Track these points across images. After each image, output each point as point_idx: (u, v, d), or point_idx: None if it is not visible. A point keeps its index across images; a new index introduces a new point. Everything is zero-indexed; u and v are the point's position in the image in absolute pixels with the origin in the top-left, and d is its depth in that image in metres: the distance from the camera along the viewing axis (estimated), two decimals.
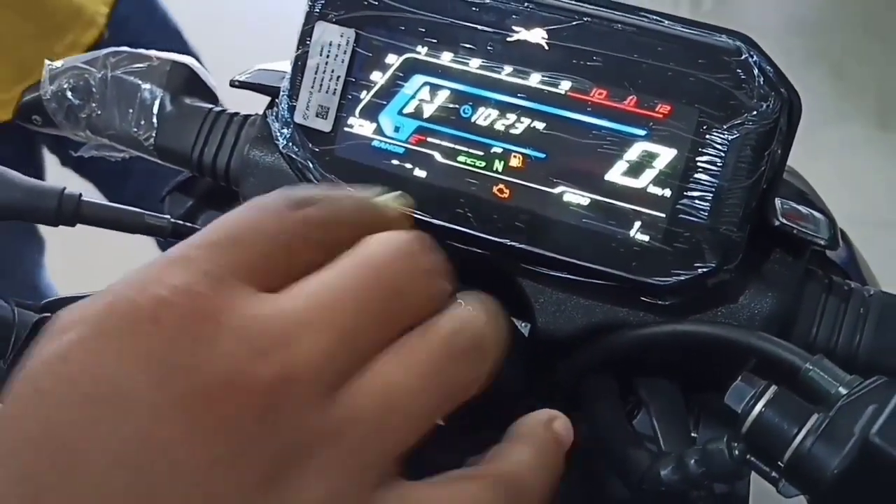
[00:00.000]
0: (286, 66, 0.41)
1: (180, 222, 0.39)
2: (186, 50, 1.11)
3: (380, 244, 0.26)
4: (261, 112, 0.46)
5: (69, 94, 0.49)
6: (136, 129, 0.47)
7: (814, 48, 2.52)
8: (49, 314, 0.33)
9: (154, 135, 0.47)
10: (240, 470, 0.21)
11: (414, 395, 0.24)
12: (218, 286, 0.23)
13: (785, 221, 0.36)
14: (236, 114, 0.47)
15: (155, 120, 0.47)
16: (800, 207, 0.38)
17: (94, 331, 0.22)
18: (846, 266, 0.44)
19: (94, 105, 0.48)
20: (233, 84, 0.44)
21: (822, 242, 0.37)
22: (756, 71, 0.34)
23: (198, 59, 0.49)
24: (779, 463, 0.29)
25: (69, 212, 0.37)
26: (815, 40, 2.57)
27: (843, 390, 0.31)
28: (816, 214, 0.39)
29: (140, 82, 0.48)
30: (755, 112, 0.34)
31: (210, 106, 0.48)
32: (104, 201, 0.38)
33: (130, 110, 0.48)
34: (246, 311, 0.23)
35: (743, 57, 0.34)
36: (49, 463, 0.21)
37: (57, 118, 0.50)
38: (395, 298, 0.25)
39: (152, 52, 0.49)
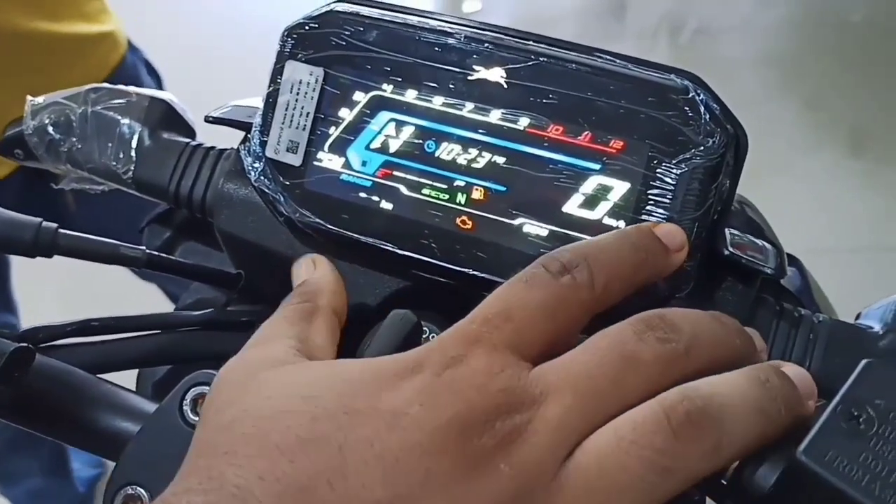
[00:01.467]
0: (259, 102, 0.43)
1: (155, 253, 0.41)
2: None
3: (631, 324, 0.29)
4: (235, 146, 0.48)
5: (50, 128, 0.50)
6: (114, 163, 0.49)
7: (789, 80, 2.57)
8: (27, 345, 0.34)
9: (132, 168, 0.49)
10: (477, 492, 0.26)
11: (630, 471, 0.26)
12: (490, 357, 0.28)
13: (734, 251, 0.38)
14: (212, 148, 0.49)
15: (133, 154, 0.49)
16: (749, 237, 0.40)
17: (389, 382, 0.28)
18: (800, 293, 0.46)
19: (74, 139, 0.50)
20: (207, 120, 0.46)
21: (770, 271, 0.39)
22: (703, 108, 0.36)
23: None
24: (722, 481, 0.30)
25: (46, 243, 0.38)
26: (790, 72, 2.62)
27: None
28: (765, 245, 0.41)
29: (119, 117, 0.50)
30: (702, 147, 0.36)
31: (187, 140, 0.49)
32: (81, 233, 0.39)
33: (110, 144, 0.49)
34: (511, 377, 0.27)
35: (690, 95, 0.36)
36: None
37: (38, 152, 0.51)
38: (633, 372, 0.28)
39: (132, 89, 0.51)
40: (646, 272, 0.33)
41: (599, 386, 0.28)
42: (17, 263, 1.22)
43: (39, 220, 0.38)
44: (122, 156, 0.49)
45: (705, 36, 2.89)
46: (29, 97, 0.52)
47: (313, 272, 0.40)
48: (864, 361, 0.29)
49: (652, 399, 0.27)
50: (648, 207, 0.37)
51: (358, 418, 0.26)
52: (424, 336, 0.39)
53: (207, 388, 0.34)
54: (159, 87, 1.17)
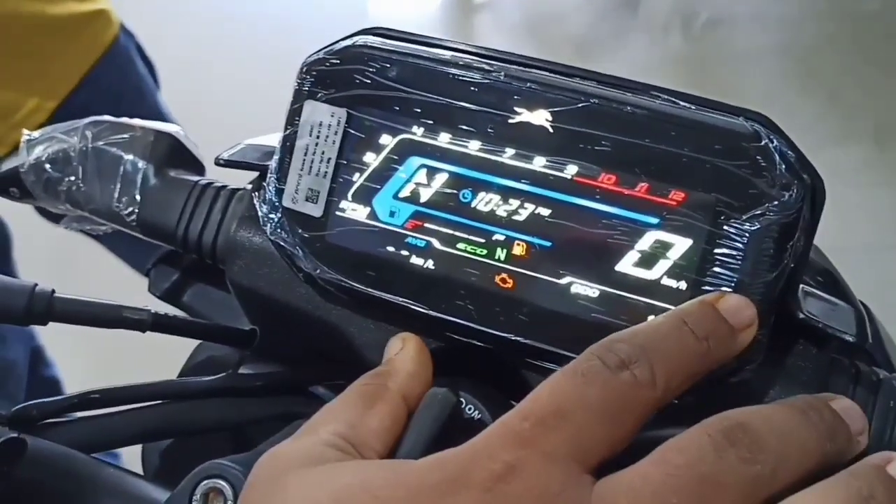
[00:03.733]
0: (274, 140, 0.39)
1: (162, 314, 0.37)
2: (158, 110, 1.08)
3: (710, 437, 0.25)
4: (249, 185, 0.44)
5: (48, 166, 0.46)
6: (118, 204, 0.45)
7: (809, 72, 2.51)
8: (18, 434, 0.30)
9: (137, 210, 0.45)
10: None
11: None
12: (547, 469, 0.24)
13: (810, 315, 0.34)
14: (224, 187, 0.45)
15: (138, 194, 0.45)
16: (825, 296, 0.36)
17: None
18: (872, 345, 0.41)
19: (73, 178, 0.46)
20: (218, 163, 0.42)
21: (851, 339, 0.35)
22: (777, 157, 0.32)
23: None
24: None
25: (40, 310, 0.34)
26: (808, 64, 2.56)
27: None
28: (840, 303, 0.36)
29: (122, 154, 0.46)
30: (777, 202, 0.32)
31: (196, 179, 0.45)
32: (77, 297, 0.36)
33: (112, 184, 0.45)
34: (572, 500, 0.24)
35: (763, 143, 0.32)
36: None
37: (35, 191, 0.47)
38: (711, 499, 0.24)
39: (136, 122, 0.47)
40: (711, 362, 0.29)
41: None
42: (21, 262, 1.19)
43: (33, 284, 0.35)
44: (125, 197, 0.45)
45: (719, 27, 2.83)
46: (25, 131, 0.48)
47: (398, 352, 0.35)
48: None
49: None
50: (714, 268, 0.33)
51: None
52: (464, 410, 0.35)
53: (219, 481, 0.30)
54: (152, 75, 1.12)
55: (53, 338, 1.27)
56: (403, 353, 0.35)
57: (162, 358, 0.49)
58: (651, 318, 0.33)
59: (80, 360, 1.38)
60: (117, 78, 1.03)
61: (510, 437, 0.25)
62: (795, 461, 0.25)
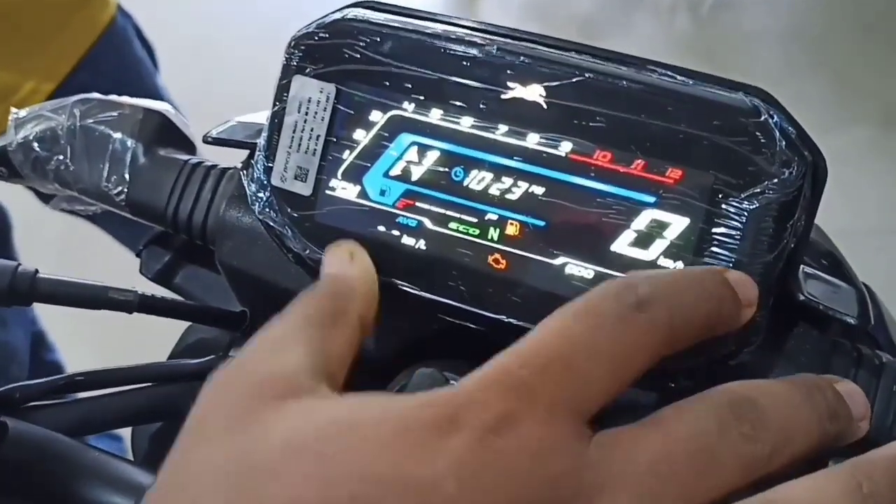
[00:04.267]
0: (264, 118, 0.38)
1: (148, 295, 0.36)
2: (157, 92, 1.06)
3: (715, 409, 0.24)
4: (240, 164, 0.43)
5: (35, 144, 0.46)
6: (106, 184, 0.44)
7: (817, 54, 2.49)
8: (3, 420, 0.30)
9: (126, 189, 0.44)
10: None
11: None
12: (547, 422, 0.23)
13: (811, 297, 0.33)
14: (214, 166, 0.44)
15: (127, 174, 0.44)
16: (826, 277, 0.35)
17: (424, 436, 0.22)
18: (875, 328, 0.40)
19: (61, 157, 0.45)
20: (206, 140, 0.41)
21: (852, 321, 0.34)
22: (777, 134, 0.31)
23: (174, 105, 0.45)
24: None
25: (23, 290, 0.34)
26: (816, 46, 2.54)
27: None
28: (842, 284, 0.35)
29: (111, 132, 0.45)
30: (776, 179, 0.31)
31: (186, 157, 0.44)
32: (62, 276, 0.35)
33: (100, 163, 0.44)
34: (570, 458, 0.23)
35: (762, 118, 0.31)
36: None
37: (23, 170, 0.46)
38: (706, 475, 0.23)
39: (124, 99, 0.46)
40: (715, 324, 0.28)
41: (666, 490, 0.23)
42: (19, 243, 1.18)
43: (16, 263, 0.34)
44: (114, 176, 0.44)
45: (726, 9, 2.80)
46: (12, 109, 0.47)
47: (348, 267, 0.33)
48: None
49: None
50: (712, 248, 0.32)
51: (379, 489, 0.22)
52: None
53: None
54: (152, 58, 1.11)
55: (56, 322, 1.26)
56: (357, 270, 0.33)
57: (166, 340, 0.48)
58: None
59: (84, 345, 1.37)
60: (115, 59, 1.02)
61: (507, 384, 0.23)
62: (795, 441, 0.25)
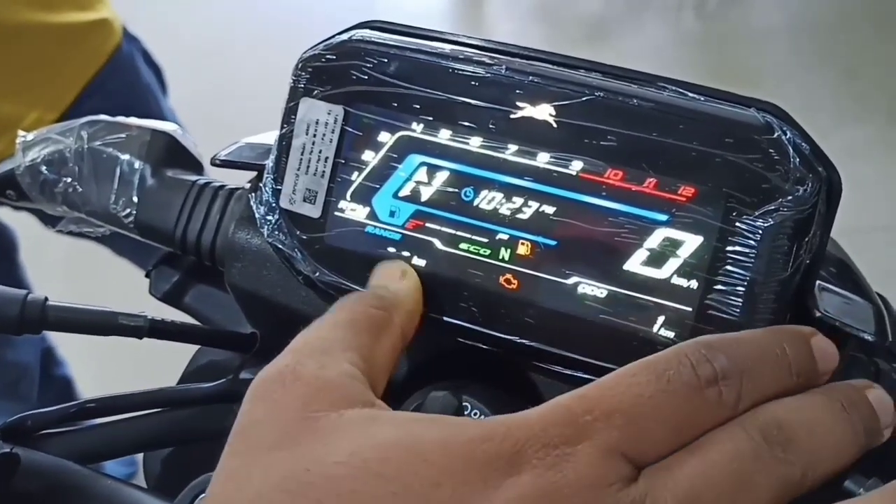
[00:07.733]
0: (272, 139, 0.38)
1: (159, 319, 0.36)
2: (164, 117, 1.06)
3: (747, 433, 0.24)
4: (249, 182, 0.43)
5: (43, 167, 0.46)
6: (114, 206, 0.44)
7: (825, 49, 2.47)
8: (11, 449, 0.29)
9: (134, 211, 0.44)
10: None
11: None
12: (602, 462, 0.23)
13: (828, 313, 0.33)
14: (222, 186, 0.44)
15: (135, 196, 0.44)
16: (842, 293, 0.35)
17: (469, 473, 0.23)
18: (893, 343, 0.40)
19: (69, 179, 0.45)
20: (214, 163, 0.41)
21: (870, 338, 0.33)
22: (790, 150, 0.31)
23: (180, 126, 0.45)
24: None
25: (34, 319, 0.34)
26: (825, 40, 2.53)
27: None
28: (857, 298, 0.35)
29: (119, 154, 0.45)
30: (791, 197, 0.30)
31: (194, 178, 0.44)
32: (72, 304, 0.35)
33: (109, 185, 0.44)
34: (620, 496, 0.23)
35: (775, 135, 0.31)
36: None
37: (32, 193, 0.46)
38: (747, 498, 0.24)
39: (131, 121, 0.46)
40: (787, 393, 0.27)
41: None
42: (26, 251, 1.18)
43: (25, 292, 0.34)
44: (122, 198, 0.44)
45: (733, 5, 2.79)
46: (20, 132, 0.47)
47: (398, 282, 0.33)
48: None
49: None
50: (727, 267, 0.31)
51: None
52: (469, 415, 0.34)
53: None
54: (159, 79, 1.11)
55: (66, 336, 1.27)
56: (406, 285, 0.33)
57: (176, 357, 0.48)
58: (661, 319, 0.32)
59: (94, 360, 1.37)
60: (121, 86, 1.03)
61: (570, 424, 0.24)
62: (828, 461, 0.25)
